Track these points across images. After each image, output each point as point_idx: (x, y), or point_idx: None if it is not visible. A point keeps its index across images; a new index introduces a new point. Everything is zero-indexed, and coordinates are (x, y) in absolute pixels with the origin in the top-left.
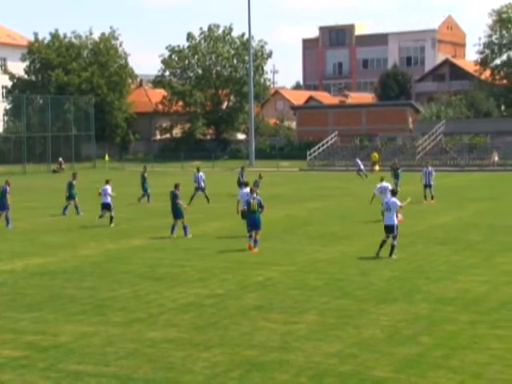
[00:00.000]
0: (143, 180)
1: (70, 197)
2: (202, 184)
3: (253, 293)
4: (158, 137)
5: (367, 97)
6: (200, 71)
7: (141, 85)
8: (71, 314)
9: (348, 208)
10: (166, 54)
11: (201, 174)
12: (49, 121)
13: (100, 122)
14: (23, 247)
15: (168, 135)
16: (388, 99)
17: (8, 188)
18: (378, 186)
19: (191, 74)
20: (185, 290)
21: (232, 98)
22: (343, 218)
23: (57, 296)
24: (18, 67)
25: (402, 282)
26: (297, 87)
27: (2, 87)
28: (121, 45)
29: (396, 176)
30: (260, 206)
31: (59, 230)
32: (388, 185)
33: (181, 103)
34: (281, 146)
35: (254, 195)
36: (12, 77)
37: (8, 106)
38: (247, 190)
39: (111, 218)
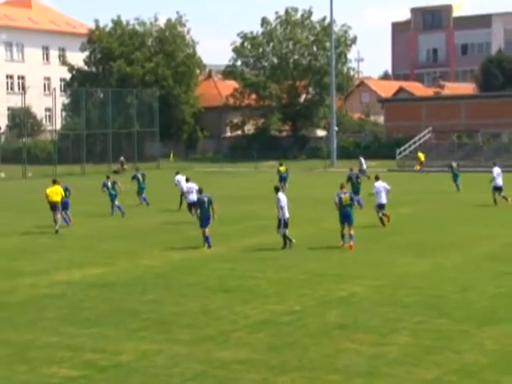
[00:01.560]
0: (138, 181)
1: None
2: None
3: (335, 310)
4: (229, 134)
5: (467, 87)
6: (275, 60)
7: (210, 76)
8: (133, 330)
9: (443, 214)
10: (238, 41)
11: (179, 177)
12: (110, 116)
13: (165, 118)
14: (81, 255)
15: (239, 132)
16: (491, 90)
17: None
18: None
19: (266, 64)
20: (258, 305)
21: (311, 89)
22: (437, 226)
23: (117, 310)
24: (78, 58)
25: (509, 300)
26: (385, 77)
27: (61, 80)
28: (188, 32)
29: (455, 177)
30: (352, 200)
31: (118, 236)
32: (385, 185)
33: (254, 96)
34: (366, 144)
35: (345, 190)
36: (71, 68)
37: (66, 101)
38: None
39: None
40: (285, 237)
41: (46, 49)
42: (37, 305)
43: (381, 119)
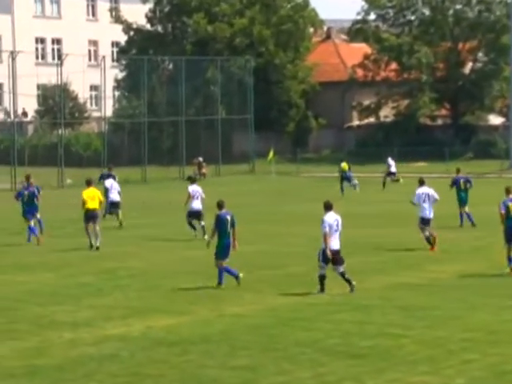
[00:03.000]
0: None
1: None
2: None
3: None
4: (356, 122)
5: None
6: (427, 12)
7: (329, 37)
8: None
9: None
10: None
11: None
12: (182, 97)
13: (263, 99)
14: (142, 299)
15: (372, 119)
16: None
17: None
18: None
19: (412, 18)
20: (401, 376)
21: (481, 55)
22: None
23: (193, 380)
24: (138, 12)
25: None
26: None
27: (112, 45)
28: None
29: None
30: None
31: (191, 271)
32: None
33: (394, 66)
34: None
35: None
36: (127, 28)
37: (120, 75)
38: None
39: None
40: (341, 276)
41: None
42: (77, 371)
43: None
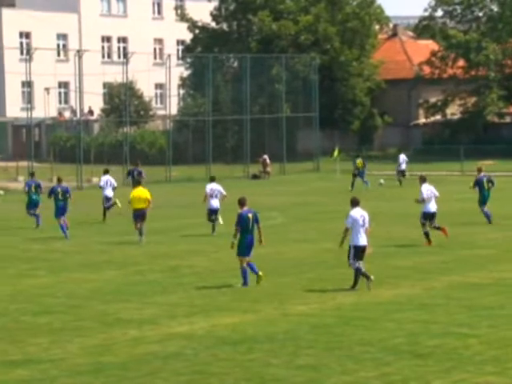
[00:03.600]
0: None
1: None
2: (111, 192)
3: None
4: (423, 120)
5: None
6: (495, 8)
7: (395, 34)
8: None
9: None
10: None
11: (107, 178)
12: (247, 95)
13: (327, 97)
14: (206, 297)
15: (438, 116)
16: None
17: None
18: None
19: (480, 14)
20: (467, 376)
21: None
22: None
23: (257, 378)
24: (203, 10)
25: None
26: None
27: (178, 43)
28: None
29: None
30: None
31: (262, 270)
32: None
33: (461, 63)
34: None
35: None
36: (193, 26)
37: (185, 73)
38: None
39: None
40: (358, 272)
41: None
42: (142, 369)
43: None
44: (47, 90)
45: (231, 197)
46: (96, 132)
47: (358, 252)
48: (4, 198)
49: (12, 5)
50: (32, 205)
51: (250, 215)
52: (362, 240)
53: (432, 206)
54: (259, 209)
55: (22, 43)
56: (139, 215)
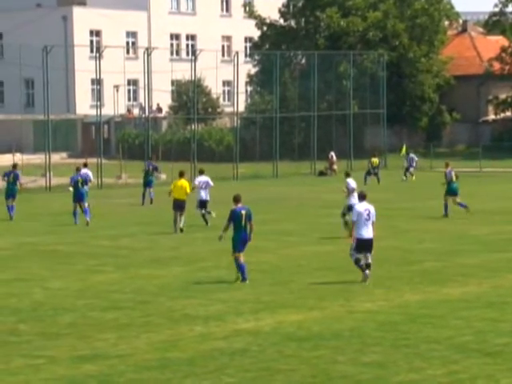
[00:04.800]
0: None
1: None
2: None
3: None
4: (492, 116)
5: None
6: None
7: (464, 30)
8: None
9: None
10: None
11: (85, 171)
12: (314, 92)
13: (395, 94)
14: (272, 294)
15: (508, 113)
16: None
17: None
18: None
19: None
20: None
21: None
22: None
23: (323, 375)
24: (271, 7)
25: None
26: None
27: (246, 40)
28: None
29: None
30: None
31: (324, 267)
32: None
33: None
34: None
35: None
36: (261, 23)
37: (253, 70)
38: None
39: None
40: (356, 264)
41: None
42: (208, 365)
43: None
44: (116, 87)
45: (295, 193)
46: (164, 129)
47: (361, 245)
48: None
49: (83, 3)
50: (76, 198)
51: (243, 212)
52: (367, 233)
53: (355, 200)
54: (325, 206)
55: (92, 41)
56: (179, 205)
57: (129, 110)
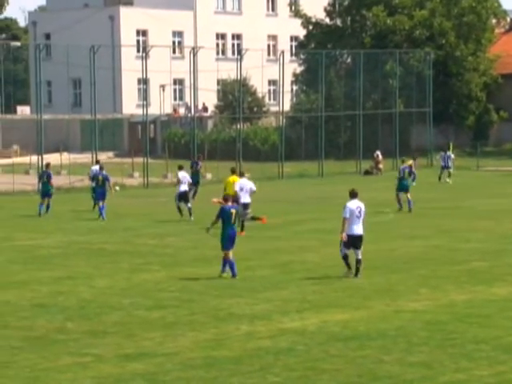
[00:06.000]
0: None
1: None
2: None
3: None
4: None
5: None
6: None
7: None
8: None
9: None
10: None
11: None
12: (360, 91)
13: (442, 92)
14: (317, 293)
15: None
16: None
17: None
18: None
19: None
20: None
21: None
22: None
23: (369, 375)
24: (317, 6)
25: None
26: None
27: (291, 39)
28: None
29: None
30: None
31: (371, 266)
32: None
33: None
34: None
35: None
36: (307, 22)
37: (298, 69)
38: None
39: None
40: (344, 260)
41: None
42: (254, 364)
43: None
44: (162, 86)
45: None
46: (210, 128)
47: (351, 241)
48: (120, 193)
49: (130, 3)
50: (97, 196)
51: (233, 210)
52: (357, 230)
53: (245, 199)
54: (371, 205)
55: (138, 41)
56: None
57: (175, 110)
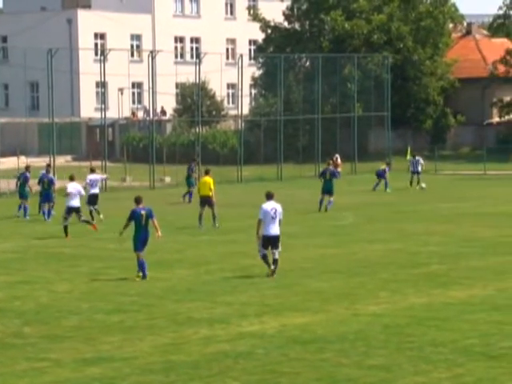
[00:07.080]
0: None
1: (22, 196)
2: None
3: None
4: (496, 119)
5: None
6: None
7: (469, 33)
8: None
9: None
10: None
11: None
12: (318, 95)
13: (399, 96)
14: (277, 297)
15: None
16: None
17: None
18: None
19: None
20: None
21: None
22: None
23: (328, 378)
24: (275, 10)
25: None
26: None
27: (250, 43)
28: None
29: None
30: None
31: (331, 270)
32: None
33: None
34: None
35: None
36: (265, 25)
37: (257, 73)
38: None
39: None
40: (264, 259)
41: None
42: (213, 367)
43: None
44: (121, 90)
45: (299, 196)
46: (168, 132)
47: (267, 241)
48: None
49: (87, 6)
50: (43, 198)
51: (143, 212)
52: (273, 230)
53: (75, 203)
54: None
55: (96, 44)
56: (204, 201)
57: (133, 113)
